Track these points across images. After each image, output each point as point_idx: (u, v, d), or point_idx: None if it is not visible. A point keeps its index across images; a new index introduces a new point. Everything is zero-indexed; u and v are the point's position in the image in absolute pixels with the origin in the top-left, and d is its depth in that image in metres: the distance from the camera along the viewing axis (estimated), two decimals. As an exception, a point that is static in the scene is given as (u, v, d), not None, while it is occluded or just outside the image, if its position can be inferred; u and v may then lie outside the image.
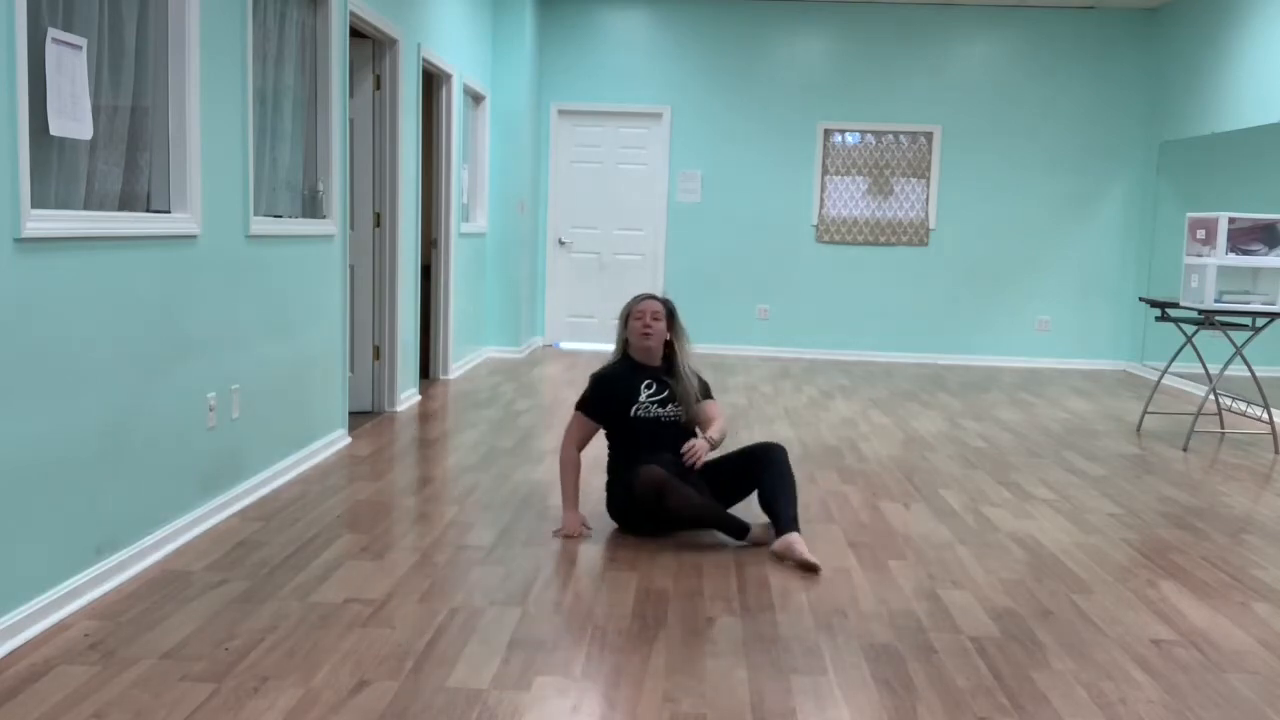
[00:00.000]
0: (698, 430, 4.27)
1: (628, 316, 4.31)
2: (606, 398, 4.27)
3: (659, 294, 4.41)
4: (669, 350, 4.32)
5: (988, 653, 3.10)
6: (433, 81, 7.45)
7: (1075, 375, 9.43)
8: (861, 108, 9.82)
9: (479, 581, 3.56)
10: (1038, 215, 9.86)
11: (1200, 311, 6.22)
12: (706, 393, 4.42)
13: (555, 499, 4.62)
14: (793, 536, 3.89)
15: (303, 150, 5.14)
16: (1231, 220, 6.11)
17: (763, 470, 4.14)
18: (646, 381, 4.26)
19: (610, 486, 4.28)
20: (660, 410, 4.23)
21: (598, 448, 4.36)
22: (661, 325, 4.27)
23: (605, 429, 4.30)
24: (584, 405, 4.29)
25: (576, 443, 4.27)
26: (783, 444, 4.36)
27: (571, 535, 4.10)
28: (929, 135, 9.84)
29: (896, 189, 9.91)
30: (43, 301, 3.02)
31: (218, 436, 4.13)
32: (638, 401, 4.22)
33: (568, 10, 9.74)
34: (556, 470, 5.11)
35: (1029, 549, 4.14)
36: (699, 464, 4.10)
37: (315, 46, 5.20)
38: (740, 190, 9.81)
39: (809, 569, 3.77)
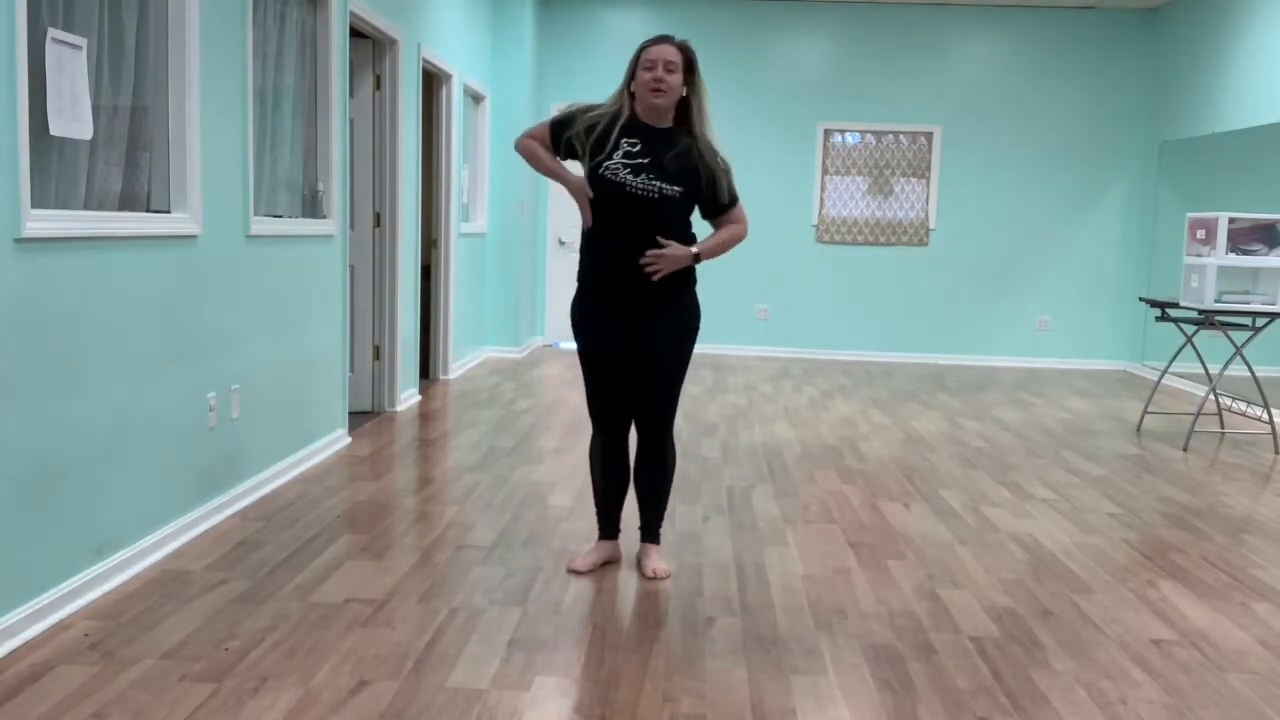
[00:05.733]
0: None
1: (636, 64, 3.44)
2: (576, 129, 3.45)
3: (676, 37, 3.50)
4: (682, 110, 3.48)
5: (988, 653, 3.09)
6: (433, 81, 7.45)
7: (1075, 375, 9.43)
8: (861, 108, 9.82)
9: (479, 581, 3.56)
10: (1038, 215, 9.86)
11: (1200, 311, 6.22)
12: (724, 198, 3.54)
13: (555, 499, 4.63)
14: (647, 548, 3.74)
15: (303, 150, 5.14)
16: (1231, 220, 6.11)
17: (637, 473, 3.72)
18: (632, 138, 3.42)
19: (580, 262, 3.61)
20: (631, 178, 3.37)
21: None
22: (677, 79, 3.40)
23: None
24: (555, 129, 3.51)
25: (533, 135, 3.57)
26: (672, 447, 3.71)
27: (579, 193, 3.47)
28: (929, 135, 9.84)
29: (896, 189, 9.91)
30: (43, 301, 3.02)
31: (218, 436, 4.13)
32: (608, 157, 3.40)
33: (568, 10, 9.75)
34: (557, 470, 5.13)
35: (1029, 549, 4.14)
36: (657, 276, 3.41)
37: (315, 46, 5.20)
38: (740, 190, 9.77)
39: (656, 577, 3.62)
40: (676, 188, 3.41)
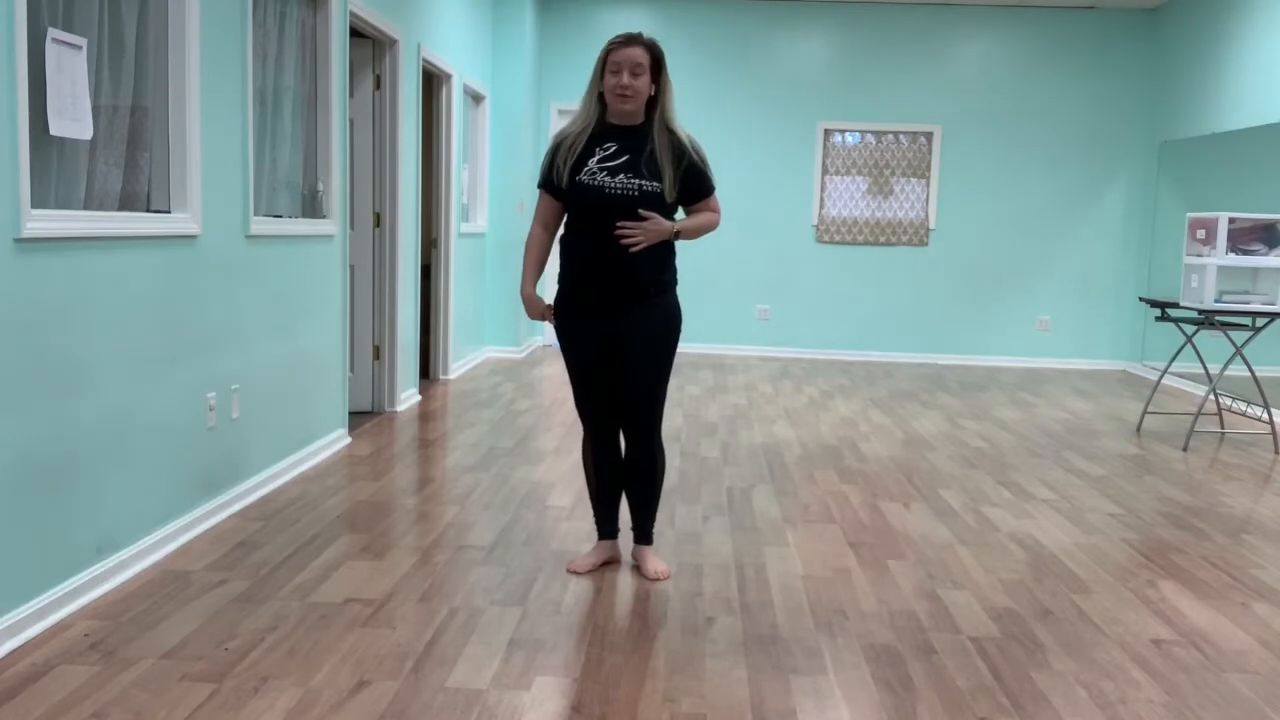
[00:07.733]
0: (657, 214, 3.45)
1: (603, 66, 3.43)
2: (558, 165, 3.48)
3: (644, 35, 3.46)
4: (651, 105, 3.48)
5: (988, 653, 3.10)
6: (433, 81, 7.45)
7: (1075, 375, 9.43)
8: (861, 108, 9.82)
9: (479, 581, 3.56)
10: (1038, 215, 9.86)
11: (1200, 311, 6.22)
12: (704, 189, 3.54)
13: (555, 499, 4.63)
14: (642, 549, 3.74)
15: (303, 150, 5.14)
16: (1231, 220, 6.11)
17: (627, 477, 3.73)
18: (606, 143, 3.45)
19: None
20: (609, 180, 3.41)
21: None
22: (644, 82, 3.40)
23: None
24: (542, 180, 3.58)
25: (542, 220, 3.62)
26: (660, 449, 3.70)
27: (535, 318, 3.71)
28: (929, 135, 9.84)
29: (896, 189, 9.91)
30: (43, 301, 3.02)
31: (218, 436, 4.13)
32: (583, 164, 3.44)
33: (568, 10, 9.74)
34: (557, 470, 5.13)
35: (1029, 549, 4.14)
36: (636, 247, 3.40)
37: (315, 46, 5.20)
38: (740, 190, 9.79)
39: (658, 578, 3.64)
40: (655, 184, 3.43)
